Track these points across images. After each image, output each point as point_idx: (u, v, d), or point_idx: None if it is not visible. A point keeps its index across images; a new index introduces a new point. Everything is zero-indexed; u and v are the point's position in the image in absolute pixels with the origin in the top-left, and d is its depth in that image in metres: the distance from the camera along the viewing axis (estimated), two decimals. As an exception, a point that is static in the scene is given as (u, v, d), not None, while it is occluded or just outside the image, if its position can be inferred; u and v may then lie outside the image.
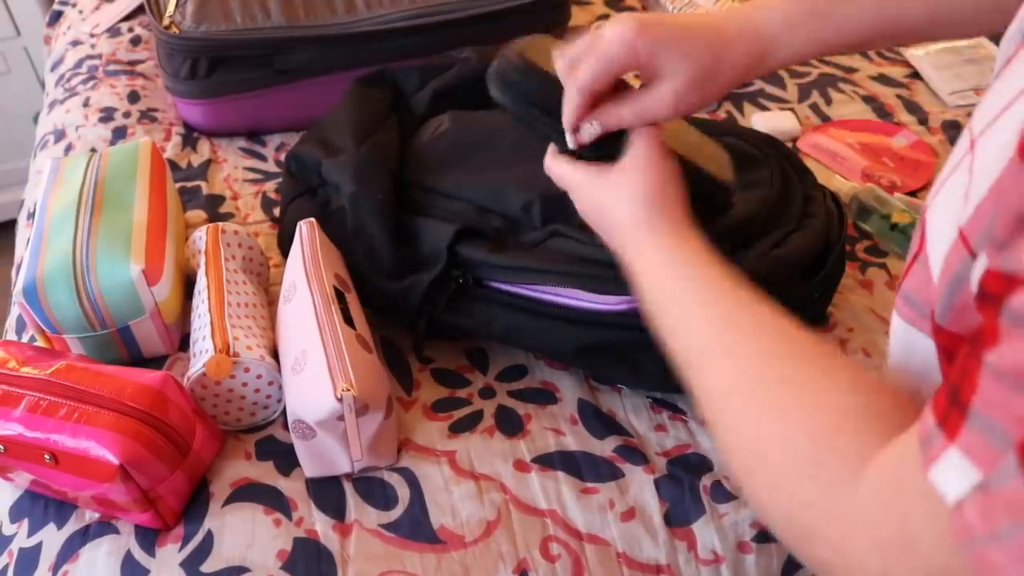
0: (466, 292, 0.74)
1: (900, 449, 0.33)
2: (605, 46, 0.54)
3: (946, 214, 0.33)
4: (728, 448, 0.43)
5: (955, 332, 0.34)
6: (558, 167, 0.61)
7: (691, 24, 0.56)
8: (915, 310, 0.39)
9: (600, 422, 0.75)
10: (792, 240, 0.74)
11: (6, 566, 0.66)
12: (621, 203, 0.56)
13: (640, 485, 0.70)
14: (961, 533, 0.27)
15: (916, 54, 1.22)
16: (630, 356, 0.72)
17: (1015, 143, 0.28)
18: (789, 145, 1.07)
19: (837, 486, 0.35)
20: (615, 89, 0.58)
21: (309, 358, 0.66)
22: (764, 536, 0.68)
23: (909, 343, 0.41)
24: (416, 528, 0.66)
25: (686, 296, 0.49)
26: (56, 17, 1.44)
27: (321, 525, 0.66)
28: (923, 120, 1.11)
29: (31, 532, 0.68)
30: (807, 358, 0.42)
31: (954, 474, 0.28)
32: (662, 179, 0.56)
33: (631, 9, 1.36)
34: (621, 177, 0.57)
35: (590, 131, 0.58)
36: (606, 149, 0.59)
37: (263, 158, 1.08)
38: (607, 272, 0.67)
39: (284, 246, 0.87)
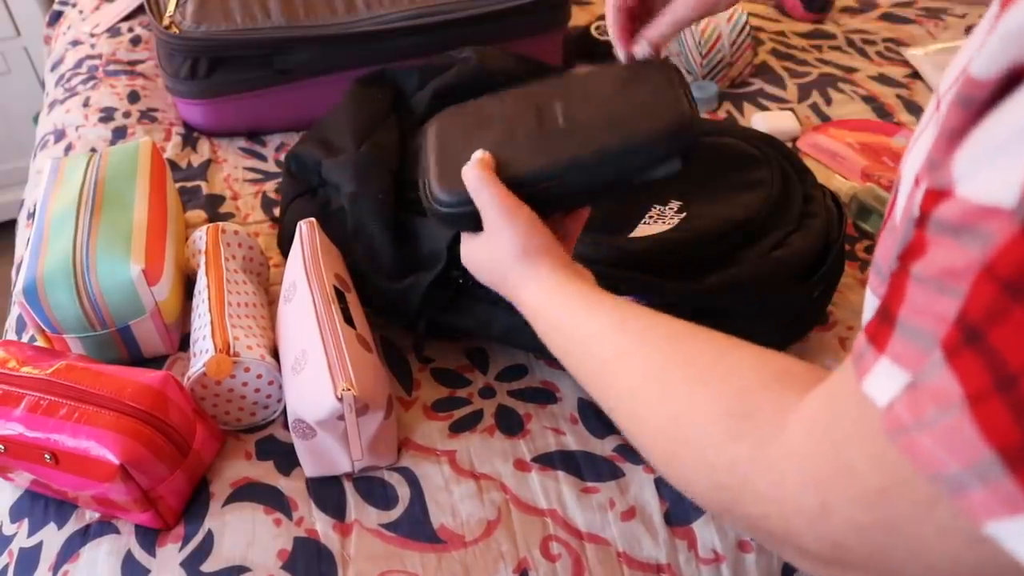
0: (466, 292, 0.74)
1: (827, 388, 0.34)
2: None
3: (910, 172, 0.35)
4: (648, 445, 0.43)
5: None
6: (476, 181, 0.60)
7: None
8: (879, 277, 0.41)
9: (600, 421, 0.75)
10: (792, 241, 0.74)
11: (6, 566, 0.66)
12: (497, 259, 0.58)
13: (640, 484, 0.70)
14: (892, 426, 0.29)
15: (916, 54, 1.22)
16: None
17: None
18: (789, 145, 1.07)
19: (761, 438, 0.36)
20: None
21: (309, 358, 0.66)
22: (764, 535, 0.68)
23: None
24: (416, 528, 0.66)
25: (577, 322, 0.50)
26: (56, 17, 1.44)
27: (321, 525, 0.66)
28: (923, 120, 1.11)
29: (31, 532, 0.68)
30: (708, 341, 0.44)
31: (885, 380, 0.29)
32: (524, 230, 0.56)
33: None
34: (490, 238, 0.58)
35: (643, 51, 0.63)
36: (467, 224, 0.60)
37: (263, 158, 1.08)
38: (606, 273, 0.67)
39: (284, 246, 0.87)
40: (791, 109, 1.14)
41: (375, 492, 0.69)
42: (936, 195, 0.28)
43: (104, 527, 0.67)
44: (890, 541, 0.30)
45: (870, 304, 0.43)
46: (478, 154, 0.59)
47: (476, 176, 0.58)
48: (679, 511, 0.68)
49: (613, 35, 0.65)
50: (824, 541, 0.33)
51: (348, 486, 0.69)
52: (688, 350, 0.43)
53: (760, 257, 0.72)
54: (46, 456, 0.62)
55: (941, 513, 0.28)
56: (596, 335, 0.48)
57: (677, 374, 0.42)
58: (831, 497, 0.32)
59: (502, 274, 0.58)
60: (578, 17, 1.30)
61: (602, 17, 1.33)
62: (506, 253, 0.56)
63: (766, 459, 0.35)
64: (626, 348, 0.46)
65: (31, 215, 1.01)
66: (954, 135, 0.28)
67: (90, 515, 0.68)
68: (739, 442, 0.36)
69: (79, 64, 1.24)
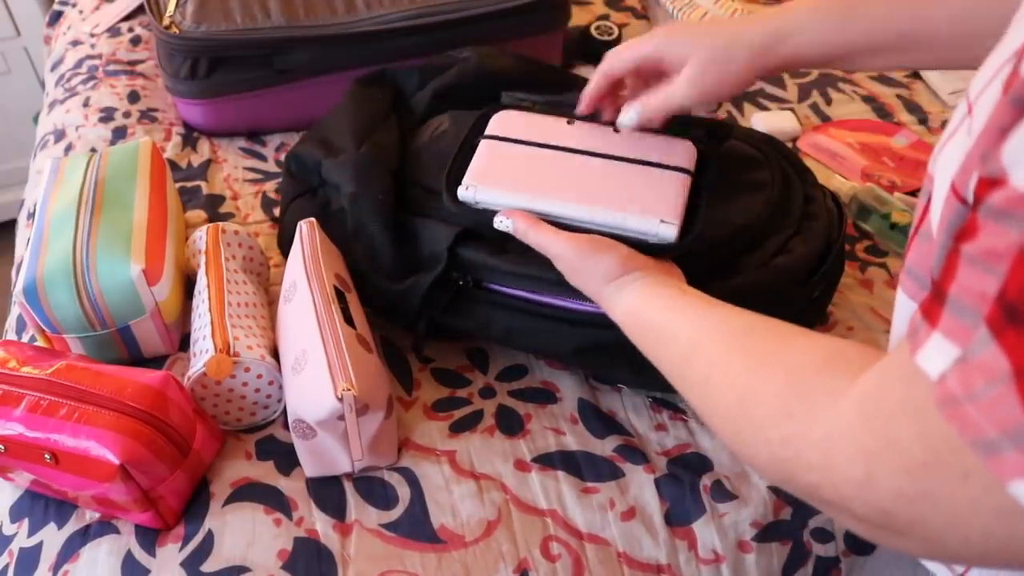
0: (465, 294, 0.74)
1: (881, 366, 0.36)
2: (625, 44, 0.66)
3: (946, 176, 0.36)
4: (719, 426, 0.47)
5: None
6: (538, 237, 0.64)
7: (710, 23, 0.64)
8: (917, 282, 0.42)
9: (600, 421, 0.75)
10: (794, 246, 0.74)
11: (6, 566, 0.66)
12: (588, 283, 0.63)
13: (640, 485, 0.70)
14: (942, 397, 0.31)
15: (916, 54, 1.22)
16: (630, 355, 0.72)
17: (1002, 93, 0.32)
18: (789, 145, 1.07)
19: (814, 414, 0.38)
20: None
21: (309, 358, 0.66)
22: (764, 535, 0.68)
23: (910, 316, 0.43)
24: (416, 528, 0.66)
25: (661, 325, 0.55)
26: (56, 17, 1.44)
27: (321, 525, 0.66)
28: (923, 120, 1.12)
29: (31, 532, 0.68)
30: (773, 329, 0.48)
31: (937, 354, 0.32)
32: (604, 260, 0.61)
33: (631, 9, 1.36)
34: (576, 271, 0.63)
35: (630, 118, 0.66)
36: None
37: (263, 158, 1.08)
38: None
39: (284, 247, 0.87)
40: (791, 109, 1.14)
41: (375, 492, 0.69)
42: (989, 183, 0.30)
43: (104, 527, 0.67)
44: (929, 511, 0.32)
45: (902, 306, 0.45)
46: (516, 217, 0.65)
47: (531, 231, 0.64)
48: (679, 511, 0.68)
49: (586, 94, 0.68)
50: (871, 508, 0.35)
51: (348, 486, 0.69)
52: (752, 339, 0.48)
53: (762, 265, 0.72)
54: (46, 456, 0.62)
55: (973, 487, 0.30)
56: (675, 334, 0.53)
57: (741, 362, 0.46)
58: (876, 468, 0.34)
59: (594, 294, 0.63)
60: (578, 17, 1.30)
61: (602, 17, 1.33)
62: (595, 282, 0.62)
63: (816, 434, 0.38)
64: (699, 341, 0.51)
65: (31, 215, 1.01)
66: (1005, 130, 0.30)
67: (90, 515, 0.68)
68: (792, 419, 0.39)
69: (79, 64, 1.24)
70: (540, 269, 0.71)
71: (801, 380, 0.41)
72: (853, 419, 0.36)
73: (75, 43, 1.30)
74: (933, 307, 0.33)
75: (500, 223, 0.65)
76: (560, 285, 0.70)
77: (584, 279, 0.63)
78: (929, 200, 0.40)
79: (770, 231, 0.75)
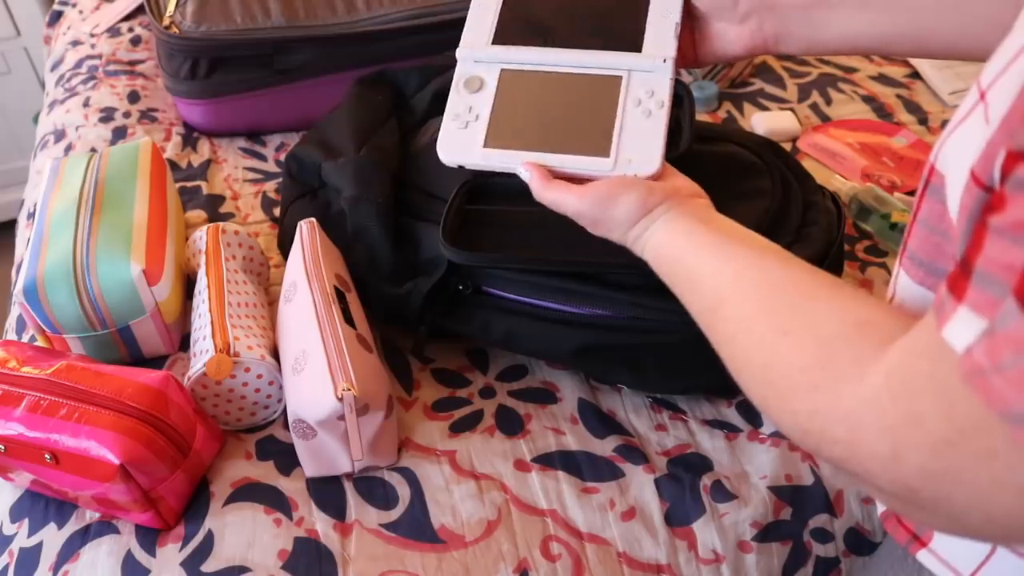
0: (464, 299, 0.74)
1: (907, 341, 0.36)
2: None
3: (960, 163, 0.36)
4: (746, 385, 0.46)
5: None
6: (553, 194, 0.61)
7: None
8: (923, 268, 0.43)
9: (600, 421, 0.75)
10: (792, 252, 0.74)
11: (6, 566, 0.66)
12: (614, 227, 0.59)
13: (640, 485, 0.70)
14: (968, 369, 0.31)
15: (916, 54, 1.22)
16: (630, 357, 0.72)
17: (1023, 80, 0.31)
18: (788, 145, 1.07)
19: (839, 388, 0.38)
20: None
21: (310, 358, 0.66)
22: (764, 535, 0.68)
23: (920, 304, 0.44)
24: (417, 528, 0.66)
25: (687, 269, 0.53)
26: (56, 17, 1.44)
27: (322, 525, 0.67)
28: (923, 120, 1.12)
29: (31, 532, 0.68)
30: (802, 283, 0.46)
31: (963, 328, 0.31)
32: (632, 201, 0.58)
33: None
34: (601, 217, 0.59)
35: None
36: None
37: (263, 158, 1.08)
38: (606, 292, 0.69)
39: (284, 249, 0.86)
40: (791, 109, 1.14)
41: (375, 492, 0.69)
42: (1018, 156, 0.30)
43: (104, 527, 0.67)
44: (953, 488, 0.33)
45: (903, 284, 0.45)
46: (532, 171, 0.61)
47: (546, 190, 0.60)
48: (679, 511, 0.68)
49: None
50: (897, 484, 0.35)
51: (348, 486, 0.69)
52: (779, 297, 0.46)
53: None
54: (46, 456, 0.62)
55: (997, 466, 0.30)
56: (699, 282, 0.52)
57: (765, 323, 0.45)
58: (902, 444, 0.34)
59: (620, 241, 0.60)
60: (578, 17, 1.30)
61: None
62: (619, 229, 0.59)
63: (843, 409, 0.37)
64: (724, 293, 0.49)
65: (31, 215, 1.01)
66: None
67: (90, 515, 0.68)
68: (818, 392, 0.39)
69: (79, 64, 1.24)
70: (540, 276, 0.70)
71: (829, 349, 0.40)
72: (879, 395, 0.36)
73: (75, 43, 1.30)
74: (959, 281, 0.32)
75: (517, 170, 0.62)
76: (560, 292, 0.70)
77: (607, 229, 0.59)
78: (926, 188, 0.40)
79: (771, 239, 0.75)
